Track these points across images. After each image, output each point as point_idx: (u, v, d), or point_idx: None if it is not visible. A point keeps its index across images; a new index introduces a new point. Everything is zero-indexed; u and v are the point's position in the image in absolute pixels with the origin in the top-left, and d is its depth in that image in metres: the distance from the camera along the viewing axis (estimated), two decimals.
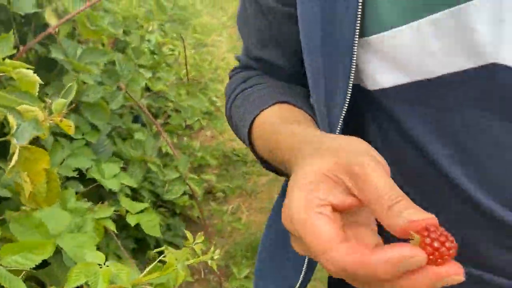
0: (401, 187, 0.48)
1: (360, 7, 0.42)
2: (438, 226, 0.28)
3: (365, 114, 0.50)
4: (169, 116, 2.07)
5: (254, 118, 0.54)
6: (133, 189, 1.69)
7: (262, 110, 0.54)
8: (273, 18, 0.54)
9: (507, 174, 0.42)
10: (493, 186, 0.43)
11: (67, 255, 0.71)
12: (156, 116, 2.37)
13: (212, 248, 0.53)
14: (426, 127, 0.44)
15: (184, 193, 2.32)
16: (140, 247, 1.60)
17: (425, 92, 0.43)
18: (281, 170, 0.52)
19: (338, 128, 0.47)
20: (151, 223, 1.02)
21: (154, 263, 0.53)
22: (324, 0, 0.44)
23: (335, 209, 0.34)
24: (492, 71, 0.39)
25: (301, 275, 0.56)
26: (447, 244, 0.27)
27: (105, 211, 0.90)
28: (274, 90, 0.57)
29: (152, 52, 2.24)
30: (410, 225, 0.28)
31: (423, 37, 0.40)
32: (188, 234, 0.56)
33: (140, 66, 2.24)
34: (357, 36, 0.43)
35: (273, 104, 0.54)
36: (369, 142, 0.48)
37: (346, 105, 0.46)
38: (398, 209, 0.30)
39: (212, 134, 2.93)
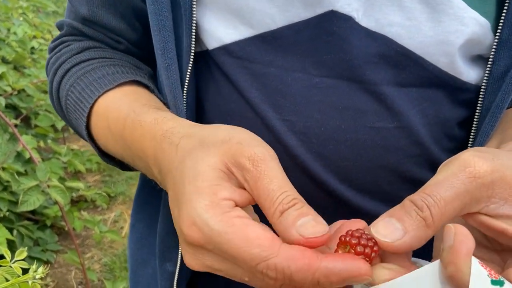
0: None
1: None
2: (352, 232, 0.28)
3: (204, 76, 0.47)
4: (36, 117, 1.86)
5: (95, 101, 0.46)
6: None
7: (107, 91, 0.46)
8: None
9: (317, 117, 0.42)
10: (303, 132, 0.43)
11: None
12: (27, 117, 2.13)
13: (39, 268, 0.45)
14: (255, 82, 0.43)
15: (56, 203, 2.11)
16: None
17: (266, 46, 0.42)
18: (132, 165, 0.45)
19: (184, 94, 0.44)
20: None
21: None
22: None
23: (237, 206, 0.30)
24: (330, 19, 0.39)
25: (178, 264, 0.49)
26: (369, 244, 0.27)
27: None
28: (122, 66, 0.49)
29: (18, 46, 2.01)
30: (306, 241, 0.28)
31: None
32: (5, 251, 0.48)
33: (4, 60, 2.00)
34: None
35: (121, 84, 0.46)
36: (207, 100, 0.46)
37: (190, 67, 0.43)
38: (292, 218, 0.29)
39: None
